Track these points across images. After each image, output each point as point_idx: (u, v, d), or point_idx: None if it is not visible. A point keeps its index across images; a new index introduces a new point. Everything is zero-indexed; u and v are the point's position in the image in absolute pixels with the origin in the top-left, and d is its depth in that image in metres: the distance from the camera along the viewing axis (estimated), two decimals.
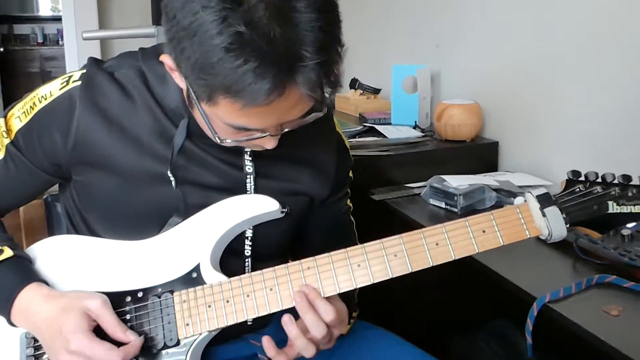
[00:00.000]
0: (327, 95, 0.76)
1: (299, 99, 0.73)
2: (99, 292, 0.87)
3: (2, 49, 5.66)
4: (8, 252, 0.89)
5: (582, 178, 0.85)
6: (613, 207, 0.82)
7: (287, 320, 0.84)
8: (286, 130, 0.82)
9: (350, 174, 1.12)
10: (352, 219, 1.16)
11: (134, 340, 0.83)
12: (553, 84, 1.66)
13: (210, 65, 0.68)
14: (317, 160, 1.02)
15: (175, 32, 0.71)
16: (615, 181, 0.84)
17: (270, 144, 0.83)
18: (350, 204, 1.15)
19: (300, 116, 0.79)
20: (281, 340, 1.04)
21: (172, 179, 0.90)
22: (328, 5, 0.71)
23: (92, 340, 0.80)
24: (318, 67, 0.69)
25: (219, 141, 0.82)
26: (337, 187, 1.07)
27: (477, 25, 1.97)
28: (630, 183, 0.83)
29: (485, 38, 1.95)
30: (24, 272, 0.89)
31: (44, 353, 0.87)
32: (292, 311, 0.87)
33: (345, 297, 0.90)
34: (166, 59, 0.79)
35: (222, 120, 0.77)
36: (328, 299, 0.85)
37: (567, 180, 0.85)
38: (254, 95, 0.68)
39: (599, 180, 0.84)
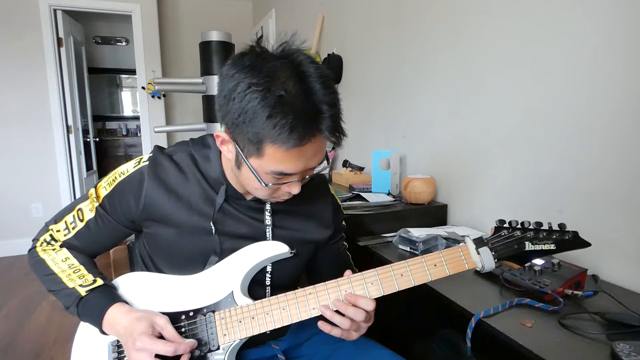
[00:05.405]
0: (339, 141, 0.77)
1: (321, 143, 0.76)
2: (163, 312, 0.89)
3: (97, 139, 5.77)
4: (100, 282, 0.91)
5: (506, 225, 0.85)
6: (529, 246, 0.83)
7: (322, 323, 0.83)
8: (307, 178, 0.83)
9: (343, 223, 1.12)
10: (348, 253, 1.15)
11: (187, 341, 0.83)
12: (485, 163, 1.67)
13: (261, 122, 0.70)
14: (318, 214, 1.02)
15: (231, 106, 0.73)
16: (531, 227, 0.84)
17: (296, 189, 0.83)
18: (346, 244, 1.14)
19: (317, 164, 0.80)
20: (296, 345, 1.04)
21: (213, 229, 0.91)
22: (330, 84, 0.74)
23: (152, 339, 0.81)
24: (332, 117, 0.73)
25: (264, 185, 0.80)
26: (335, 232, 1.07)
27: (432, 123, 1.99)
28: (541, 228, 0.84)
29: (437, 131, 1.96)
30: (112, 295, 0.90)
31: (125, 356, 0.87)
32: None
33: None
34: (221, 134, 0.80)
35: (265, 169, 0.77)
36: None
37: (495, 227, 0.86)
38: (292, 140, 0.71)
39: (519, 226, 0.85)
